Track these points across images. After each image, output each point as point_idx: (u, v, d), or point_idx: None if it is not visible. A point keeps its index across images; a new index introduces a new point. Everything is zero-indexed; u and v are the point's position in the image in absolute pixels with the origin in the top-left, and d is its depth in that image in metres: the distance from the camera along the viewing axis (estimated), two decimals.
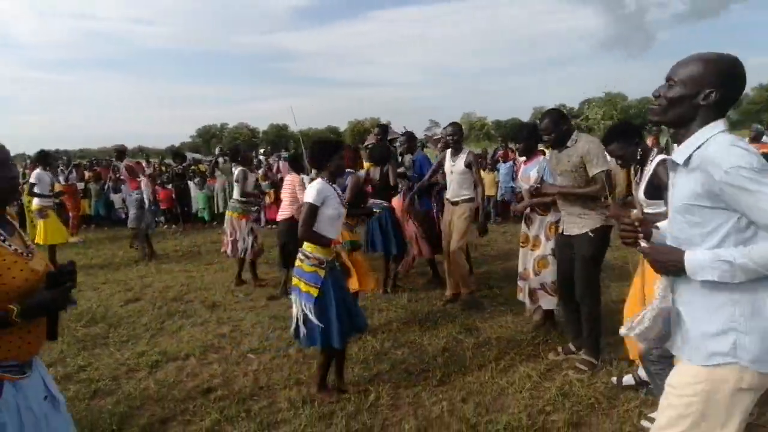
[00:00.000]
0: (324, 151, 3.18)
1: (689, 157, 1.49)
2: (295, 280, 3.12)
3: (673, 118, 1.55)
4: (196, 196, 11.72)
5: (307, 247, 3.08)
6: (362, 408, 3.10)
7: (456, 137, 4.95)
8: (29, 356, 1.68)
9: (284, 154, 17.82)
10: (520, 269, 4.23)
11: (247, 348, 4.15)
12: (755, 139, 8.63)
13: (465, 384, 3.34)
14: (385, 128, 6.87)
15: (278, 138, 79.76)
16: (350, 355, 3.88)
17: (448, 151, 5.01)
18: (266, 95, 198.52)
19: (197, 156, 21.09)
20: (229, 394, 3.37)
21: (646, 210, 2.76)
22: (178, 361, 3.96)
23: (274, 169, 12.06)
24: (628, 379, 3.16)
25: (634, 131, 2.97)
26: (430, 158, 6.03)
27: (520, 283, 4.27)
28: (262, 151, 17.20)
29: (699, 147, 1.48)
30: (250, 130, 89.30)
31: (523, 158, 4.29)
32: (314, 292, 3.00)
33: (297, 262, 3.11)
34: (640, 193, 2.84)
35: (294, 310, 3.11)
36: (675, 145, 2.75)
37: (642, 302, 2.79)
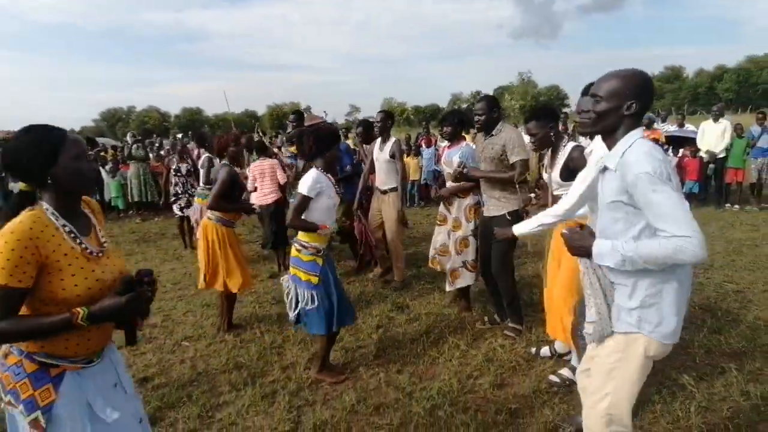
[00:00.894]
0: (324, 140, 3.15)
1: (618, 163, 1.71)
2: (292, 270, 3.14)
3: (603, 128, 1.78)
4: (109, 184, 10.97)
5: (302, 237, 3.11)
6: (303, 385, 3.21)
7: (381, 125, 5.09)
8: (95, 352, 1.62)
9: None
10: (437, 245, 4.38)
11: (182, 336, 4.09)
12: (648, 126, 9.62)
13: (399, 357, 3.56)
14: (300, 114, 6.79)
15: (191, 122, 75.55)
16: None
17: (378, 139, 5.15)
18: (177, 77, 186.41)
19: (111, 141, 19.51)
20: (167, 381, 3.33)
21: (558, 191, 3.09)
22: None
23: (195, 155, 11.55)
24: (544, 351, 3.51)
25: (552, 115, 3.26)
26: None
27: (434, 255, 4.42)
28: (180, 136, 16.26)
29: (624, 153, 1.70)
30: (160, 114, 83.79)
31: (446, 143, 4.52)
32: (315, 280, 3.07)
33: (294, 252, 3.14)
34: (554, 175, 3.15)
35: (292, 298, 3.15)
36: (582, 137, 3.07)
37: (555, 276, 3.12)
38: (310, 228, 3.07)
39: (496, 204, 3.74)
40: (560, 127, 3.44)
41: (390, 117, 5.24)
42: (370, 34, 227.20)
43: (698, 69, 71.53)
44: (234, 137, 4.26)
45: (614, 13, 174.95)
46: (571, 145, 3.05)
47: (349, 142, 11.51)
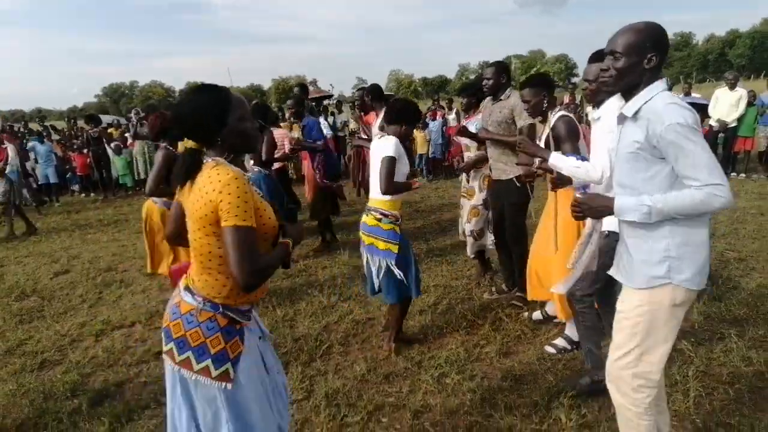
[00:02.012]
0: (408, 113, 3.18)
1: (638, 111, 1.72)
2: (369, 239, 3.13)
3: (625, 85, 1.76)
4: (114, 162, 11.04)
5: (381, 205, 3.10)
6: (315, 356, 3.33)
7: (368, 98, 5.08)
8: (258, 299, 1.75)
9: None
10: (463, 215, 4.41)
11: None
12: None
13: (408, 328, 3.66)
14: (304, 87, 6.77)
15: None
16: (299, 309, 4.09)
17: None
18: (181, 51, 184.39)
19: (116, 118, 19.44)
20: None
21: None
22: (123, 329, 3.96)
23: None
24: (536, 315, 3.62)
25: (546, 84, 3.25)
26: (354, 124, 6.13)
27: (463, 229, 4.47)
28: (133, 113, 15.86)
29: (646, 102, 1.70)
30: (164, 89, 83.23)
31: (453, 116, 4.55)
32: (395, 248, 3.07)
33: (371, 222, 3.11)
34: (541, 144, 3.18)
35: (370, 268, 3.18)
36: (590, 106, 3.07)
37: (548, 241, 3.18)
38: (407, 187, 3.12)
39: (503, 168, 3.79)
40: (567, 98, 3.45)
41: (376, 91, 5.14)
42: (376, 2, 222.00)
43: (709, 34, 69.67)
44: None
45: None
46: (558, 114, 3.06)
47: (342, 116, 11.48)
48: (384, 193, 3.04)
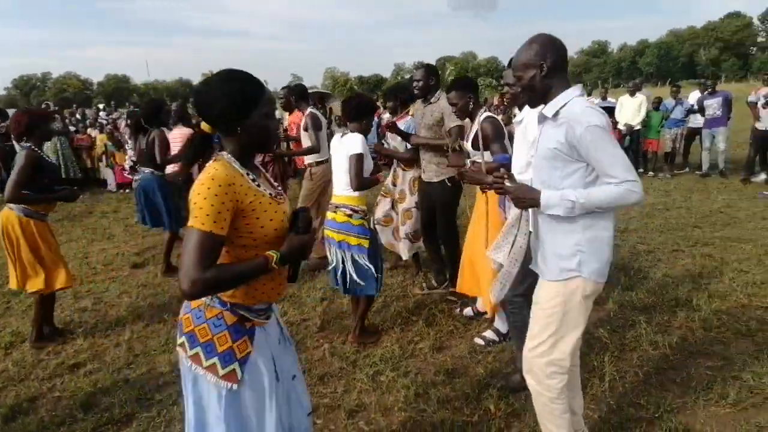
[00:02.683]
0: (366, 108, 3.26)
1: (557, 113, 1.83)
2: (341, 236, 3.13)
3: (534, 96, 1.90)
4: None
5: (350, 201, 3.15)
6: None
7: (294, 98, 4.98)
8: (276, 299, 1.65)
9: (132, 109, 16.00)
10: (378, 216, 4.47)
11: (115, 318, 3.95)
12: None
13: (343, 327, 3.65)
14: (301, 89, 6.43)
15: (117, 91, 70.36)
16: None
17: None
18: (100, 41, 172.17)
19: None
20: (100, 366, 3.24)
21: (474, 158, 3.23)
22: None
23: (121, 127, 10.87)
24: (467, 312, 3.74)
25: (471, 86, 3.36)
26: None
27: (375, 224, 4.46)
28: (102, 106, 15.22)
29: (565, 105, 1.81)
30: (80, 81, 77.39)
31: (387, 115, 4.59)
32: (365, 243, 3.12)
33: (341, 218, 3.14)
34: (468, 145, 3.30)
35: (339, 266, 3.17)
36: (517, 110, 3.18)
37: (479, 238, 3.29)
38: (374, 182, 3.24)
39: (435, 170, 3.87)
40: (497, 100, 3.58)
41: (298, 91, 5.02)
42: (313, 2, 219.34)
43: (622, 44, 75.22)
44: (46, 114, 3.81)
45: None
46: (484, 116, 3.18)
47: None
48: (355, 189, 3.12)
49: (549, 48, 1.84)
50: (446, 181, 3.82)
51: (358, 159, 3.06)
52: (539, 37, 1.88)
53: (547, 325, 1.94)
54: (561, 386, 1.96)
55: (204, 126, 1.52)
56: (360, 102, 3.29)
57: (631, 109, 8.89)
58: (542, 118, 1.91)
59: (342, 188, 3.19)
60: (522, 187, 1.93)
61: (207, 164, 1.47)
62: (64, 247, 6.13)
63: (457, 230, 4.06)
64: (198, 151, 1.53)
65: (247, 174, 1.50)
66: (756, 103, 7.71)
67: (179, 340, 1.55)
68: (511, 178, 2.00)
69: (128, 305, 4.24)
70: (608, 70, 67.39)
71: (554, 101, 1.85)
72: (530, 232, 2.11)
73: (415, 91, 3.93)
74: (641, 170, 9.14)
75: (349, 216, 3.15)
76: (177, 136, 5.23)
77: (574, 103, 1.81)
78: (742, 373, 2.83)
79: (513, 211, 2.09)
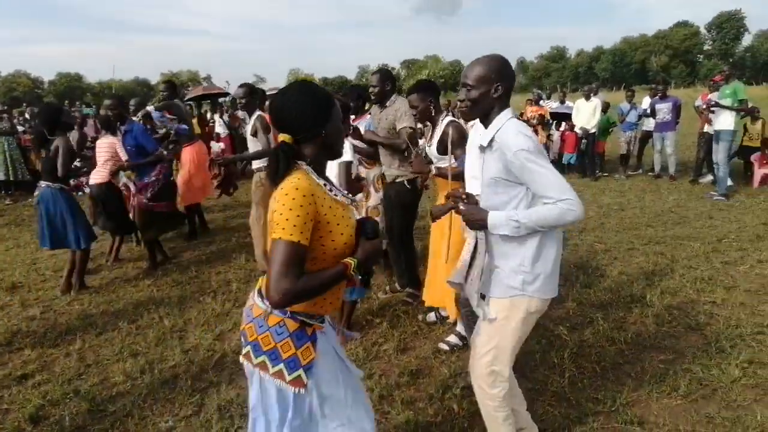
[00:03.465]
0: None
1: (492, 140, 1.87)
2: None
3: (479, 113, 1.92)
4: None
5: None
6: (207, 367, 3.14)
7: (245, 100, 4.76)
8: (333, 311, 1.68)
9: (86, 110, 15.39)
10: None
11: (66, 327, 3.76)
12: (536, 102, 10.40)
13: None
14: (172, 85, 6.20)
15: (69, 90, 67.42)
16: (190, 319, 3.83)
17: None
18: (52, 38, 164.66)
19: None
20: (50, 377, 3.07)
21: (438, 163, 3.26)
22: None
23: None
24: (431, 317, 3.75)
25: (432, 90, 3.37)
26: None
27: None
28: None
29: (498, 130, 1.85)
30: (30, 80, 73.79)
31: (353, 116, 4.56)
32: None
33: None
34: (431, 149, 3.32)
35: None
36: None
37: (441, 250, 3.31)
38: (359, 189, 3.28)
39: (394, 172, 3.88)
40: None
41: (248, 91, 4.73)
42: (275, 1, 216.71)
43: (579, 49, 77.80)
44: None
45: None
46: (447, 120, 3.21)
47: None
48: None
49: (506, 72, 1.89)
50: (405, 183, 3.83)
51: (347, 167, 3.07)
52: (499, 58, 1.91)
53: (491, 338, 1.98)
54: (503, 394, 2.02)
55: (283, 136, 1.52)
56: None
57: (587, 113, 9.19)
58: (481, 148, 1.96)
59: None
60: (472, 208, 1.97)
61: (292, 174, 1.47)
62: (11, 253, 5.83)
63: (411, 234, 4.08)
64: (285, 164, 1.48)
65: (324, 184, 1.53)
66: (699, 108, 8.11)
67: (244, 350, 1.57)
68: (469, 197, 2.03)
69: (79, 313, 4.04)
70: (566, 75, 69.52)
71: (490, 128, 1.90)
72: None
73: (372, 97, 3.94)
74: (598, 171, 9.46)
75: None
76: (104, 146, 4.91)
77: (506, 128, 1.85)
78: (691, 365, 2.96)
79: (469, 233, 2.13)
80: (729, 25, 67.72)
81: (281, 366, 1.51)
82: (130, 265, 5.24)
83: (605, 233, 5.78)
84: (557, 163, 10.24)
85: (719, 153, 7.23)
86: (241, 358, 1.58)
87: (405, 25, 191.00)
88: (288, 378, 1.51)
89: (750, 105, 7.45)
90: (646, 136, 9.50)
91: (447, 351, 3.27)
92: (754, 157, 8.10)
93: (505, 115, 1.89)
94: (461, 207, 1.99)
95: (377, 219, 4.28)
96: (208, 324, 3.75)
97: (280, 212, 1.38)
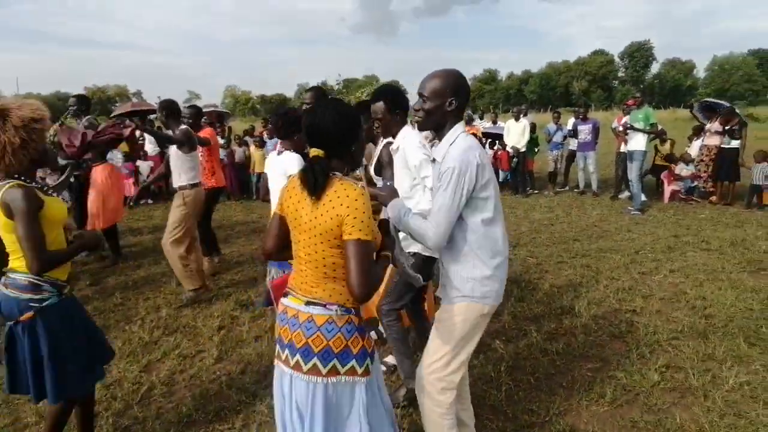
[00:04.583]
0: (293, 122, 3.08)
1: (446, 153, 1.90)
2: None
3: (433, 124, 1.97)
4: None
5: None
6: (132, 402, 2.93)
7: (192, 120, 4.77)
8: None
9: None
10: None
11: None
12: (468, 122, 10.79)
13: (242, 357, 3.46)
14: (82, 98, 5.68)
15: None
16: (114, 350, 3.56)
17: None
18: None
19: None
20: None
21: (378, 183, 3.28)
22: None
23: None
24: (373, 335, 3.72)
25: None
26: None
27: None
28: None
29: (451, 144, 1.90)
30: None
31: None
32: None
33: None
34: (371, 170, 3.34)
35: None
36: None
37: None
38: None
39: None
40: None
41: (167, 107, 4.54)
42: (208, 14, 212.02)
43: (509, 73, 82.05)
44: None
45: (442, 18, 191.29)
46: (385, 141, 3.24)
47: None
48: None
49: (461, 88, 1.93)
50: None
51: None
52: (456, 73, 1.94)
53: (445, 343, 2.01)
54: (450, 401, 2.03)
55: (315, 152, 1.62)
56: (286, 117, 3.11)
57: (517, 133, 9.68)
58: (435, 161, 2.02)
59: (274, 207, 3.02)
60: (386, 191, 2.08)
61: (335, 186, 1.60)
62: None
63: None
64: (321, 179, 1.58)
65: (363, 186, 1.67)
66: (615, 129, 8.80)
67: (306, 367, 1.63)
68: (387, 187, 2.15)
69: None
70: (498, 96, 72.90)
71: (443, 142, 1.95)
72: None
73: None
74: (529, 189, 9.93)
75: None
76: None
77: (456, 144, 1.90)
78: (616, 372, 3.13)
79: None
80: (639, 54, 74.14)
81: (352, 363, 1.64)
82: None
83: (537, 247, 6.05)
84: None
85: (632, 171, 7.86)
86: (303, 376, 1.63)
87: (344, 45, 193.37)
88: (359, 370, 1.65)
89: (659, 128, 8.16)
90: (572, 155, 10.12)
91: (385, 371, 3.25)
92: (664, 175, 8.85)
93: (457, 129, 1.94)
94: (378, 187, 2.11)
95: None
96: (134, 355, 3.51)
97: (354, 216, 1.55)
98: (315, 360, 1.62)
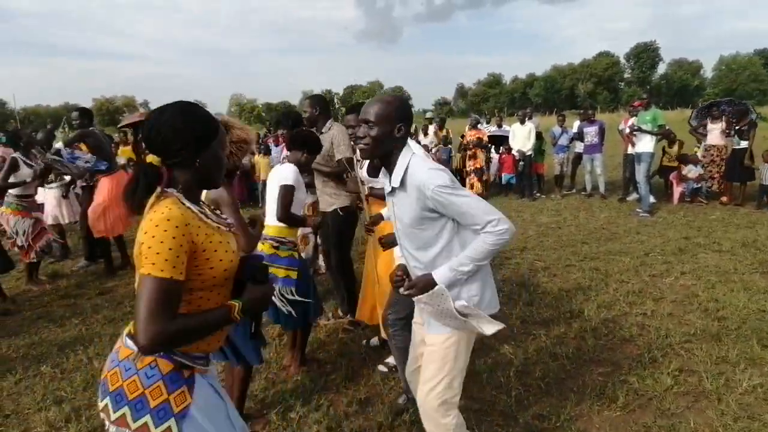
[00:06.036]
0: (311, 143, 3.17)
1: (403, 181, 1.85)
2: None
3: (381, 152, 1.88)
4: None
5: (277, 232, 3.04)
6: None
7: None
8: (216, 348, 1.55)
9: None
10: None
11: None
12: (474, 126, 10.76)
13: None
14: (85, 112, 5.66)
15: None
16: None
17: None
18: None
19: None
20: None
21: (370, 185, 3.30)
22: None
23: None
24: (374, 341, 3.71)
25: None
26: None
27: None
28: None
29: (406, 170, 1.84)
30: None
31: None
32: (294, 275, 3.04)
33: (268, 250, 3.01)
34: (363, 172, 3.35)
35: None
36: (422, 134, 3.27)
37: (375, 280, 3.31)
38: (300, 221, 3.14)
39: (328, 200, 3.90)
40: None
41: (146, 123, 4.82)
42: (212, 24, 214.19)
43: (513, 76, 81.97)
44: None
45: (445, 23, 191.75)
46: None
47: None
48: (279, 219, 3.02)
49: (407, 113, 1.88)
50: (338, 210, 3.84)
51: (287, 191, 3.00)
52: (402, 98, 1.93)
53: (442, 366, 1.95)
54: (456, 422, 1.99)
55: (152, 158, 1.38)
56: (308, 136, 3.21)
57: (522, 136, 9.66)
58: (391, 190, 1.93)
59: (270, 218, 3.08)
60: (416, 282, 1.93)
61: (152, 202, 1.35)
62: None
63: (350, 260, 4.08)
64: (147, 188, 1.35)
65: (199, 211, 1.41)
66: (622, 131, 8.75)
67: (101, 404, 1.37)
68: (406, 276, 2.01)
69: None
70: (503, 100, 72.83)
71: (397, 169, 1.87)
72: None
73: (305, 122, 3.95)
74: (536, 192, 9.89)
75: (276, 248, 3.05)
76: None
77: (413, 166, 1.84)
78: (628, 376, 3.09)
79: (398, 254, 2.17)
80: (645, 55, 73.87)
81: (146, 418, 1.31)
82: (56, 303, 4.86)
83: (544, 251, 6.01)
84: (498, 183, 10.64)
85: (640, 173, 7.79)
86: (101, 414, 1.37)
87: (348, 52, 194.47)
88: (154, 431, 1.31)
89: (667, 128, 8.11)
90: (578, 158, 10.07)
91: (388, 373, 3.23)
92: (672, 176, 8.77)
93: (407, 153, 1.88)
94: (403, 292, 1.96)
95: (307, 247, 4.25)
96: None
97: (149, 245, 1.25)
98: (107, 400, 1.36)
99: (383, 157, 1.90)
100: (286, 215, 3.01)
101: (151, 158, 1.38)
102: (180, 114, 1.38)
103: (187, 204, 1.38)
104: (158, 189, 1.37)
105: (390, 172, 1.91)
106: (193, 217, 1.36)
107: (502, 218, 1.80)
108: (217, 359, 2.60)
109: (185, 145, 1.37)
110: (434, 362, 1.98)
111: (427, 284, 1.89)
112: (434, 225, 1.87)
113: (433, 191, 1.77)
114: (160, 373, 1.34)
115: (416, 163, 1.85)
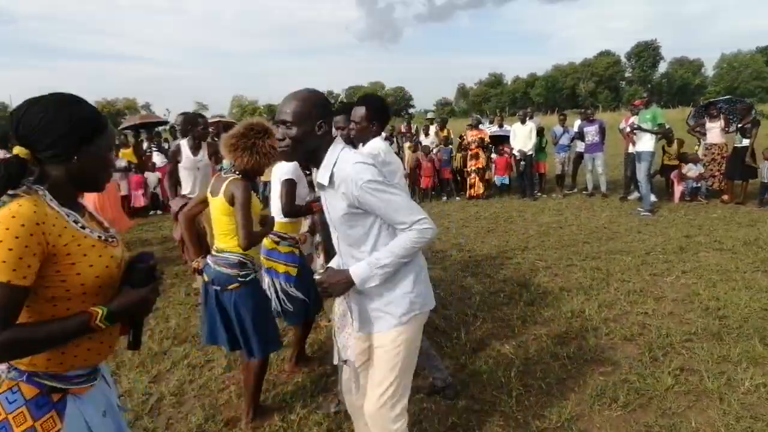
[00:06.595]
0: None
1: (331, 177, 1.77)
2: (269, 263, 3.10)
3: (304, 152, 1.78)
4: None
5: (279, 227, 3.05)
6: (142, 413, 2.94)
7: (182, 127, 4.90)
8: (98, 362, 1.37)
9: None
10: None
11: None
12: (475, 126, 10.75)
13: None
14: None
15: None
16: (123, 361, 3.58)
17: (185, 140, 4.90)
18: None
19: None
20: None
21: None
22: None
23: None
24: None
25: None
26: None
27: None
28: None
29: (335, 166, 1.75)
30: None
31: None
32: (293, 271, 3.08)
33: (269, 245, 3.07)
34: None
35: (272, 292, 3.06)
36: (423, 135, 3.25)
37: None
38: (308, 210, 3.16)
39: None
40: (404, 128, 3.57)
41: (191, 121, 4.89)
42: (213, 26, 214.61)
43: (515, 76, 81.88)
44: None
45: (446, 23, 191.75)
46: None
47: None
48: (285, 215, 3.05)
49: (326, 108, 1.79)
50: None
51: (289, 183, 3.03)
52: (317, 92, 1.80)
53: (393, 367, 1.89)
54: (404, 427, 1.94)
55: (20, 150, 1.24)
56: None
57: (523, 135, 9.64)
58: (320, 186, 1.86)
59: (276, 214, 3.10)
60: (331, 274, 1.85)
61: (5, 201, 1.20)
62: None
63: None
64: (13, 180, 1.21)
65: (66, 213, 1.27)
66: (623, 130, 8.74)
67: None
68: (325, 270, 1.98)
69: None
70: (504, 100, 72.75)
71: (324, 164, 1.79)
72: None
73: None
74: (537, 192, 9.88)
75: (277, 243, 3.10)
76: None
77: (342, 161, 1.76)
78: (628, 375, 3.08)
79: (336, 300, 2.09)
80: (646, 54, 73.69)
81: None
82: None
83: (546, 251, 6.00)
84: (492, 185, 10.57)
85: (640, 172, 7.78)
86: None
87: (349, 53, 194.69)
88: None
89: (667, 127, 8.09)
90: (580, 157, 10.05)
91: None
92: (673, 175, 8.75)
93: (336, 148, 1.80)
94: (316, 277, 1.94)
95: (303, 246, 4.24)
96: (143, 365, 3.52)
97: None
98: None
99: (310, 156, 1.81)
100: (291, 208, 3.05)
101: (18, 150, 1.24)
102: (55, 105, 1.25)
103: (53, 204, 1.25)
104: (22, 185, 1.23)
105: (318, 169, 1.83)
106: (54, 218, 1.23)
107: (428, 219, 1.77)
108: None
109: (59, 139, 1.24)
110: (382, 366, 1.90)
111: (340, 279, 1.80)
112: (363, 221, 1.80)
113: (361, 187, 1.70)
114: (23, 398, 1.24)
115: (344, 158, 1.76)
